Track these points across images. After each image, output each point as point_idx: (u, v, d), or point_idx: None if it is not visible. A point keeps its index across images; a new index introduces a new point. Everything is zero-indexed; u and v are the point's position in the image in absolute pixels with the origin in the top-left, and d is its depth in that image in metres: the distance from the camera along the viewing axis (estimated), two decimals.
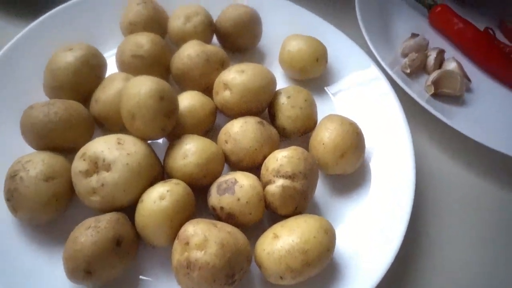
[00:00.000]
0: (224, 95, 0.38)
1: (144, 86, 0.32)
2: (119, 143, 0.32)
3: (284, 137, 0.40)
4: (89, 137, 0.36)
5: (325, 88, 0.46)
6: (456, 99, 0.48)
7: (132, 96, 0.33)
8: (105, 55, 0.42)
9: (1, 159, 0.35)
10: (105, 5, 0.47)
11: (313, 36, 0.46)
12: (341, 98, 0.45)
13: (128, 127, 0.34)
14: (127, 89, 0.33)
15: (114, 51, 0.44)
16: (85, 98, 0.38)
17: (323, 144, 0.37)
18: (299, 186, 0.33)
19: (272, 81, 0.39)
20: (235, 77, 0.38)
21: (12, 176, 0.31)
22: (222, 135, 0.37)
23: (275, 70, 0.47)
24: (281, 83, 0.46)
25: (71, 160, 0.34)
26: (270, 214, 0.35)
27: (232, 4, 0.47)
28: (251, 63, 0.39)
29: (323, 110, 0.42)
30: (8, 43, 0.41)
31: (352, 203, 0.38)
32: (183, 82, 0.41)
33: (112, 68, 0.41)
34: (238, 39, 0.46)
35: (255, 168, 0.36)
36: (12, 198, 0.31)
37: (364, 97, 0.45)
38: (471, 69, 0.52)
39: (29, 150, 0.34)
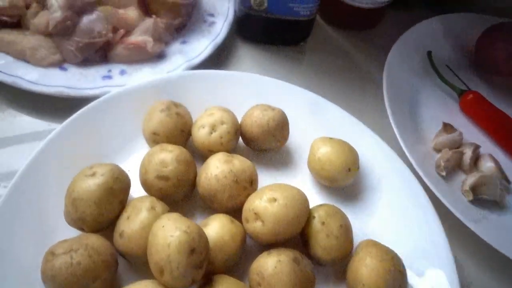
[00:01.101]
0: (255, 226, 0.36)
1: (173, 238, 0.30)
2: None
3: (318, 265, 0.37)
4: (112, 276, 0.34)
5: (356, 197, 0.44)
6: (497, 203, 0.45)
7: (160, 248, 0.30)
8: (126, 165, 0.41)
9: None
10: (128, 106, 0.45)
11: (343, 136, 0.44)
12: (374, 211, 0.43)
13: (156, 278, 0.31)
14: (154, 236, 0.31)
15: (137, 156, 0.43)
16: (108, 225, 0.36)
17: (363, 285, 0.34)
18: None
19: (306, 208, 0.37)
20: (267, 207, 0.35)
21: None
22: (254, 275, 0.34)
23: (303, 172, 0.45)
24: (310, 187, 0.44)
25: None
26: None
27: (258, 105, 0.45)
28: (283, 186, 0.37)
29: (356, 226, 0.40)
30: (31, 157, 0.40)
31: None
32: (209, 202, 0.39)
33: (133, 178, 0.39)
34: (265, 144, 0.44)
35: None
36: None
37: (399, 209, 0.42)
38: (507, 164, 0.49)
39: None
